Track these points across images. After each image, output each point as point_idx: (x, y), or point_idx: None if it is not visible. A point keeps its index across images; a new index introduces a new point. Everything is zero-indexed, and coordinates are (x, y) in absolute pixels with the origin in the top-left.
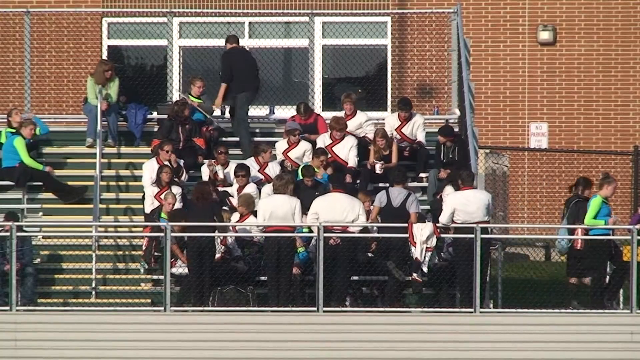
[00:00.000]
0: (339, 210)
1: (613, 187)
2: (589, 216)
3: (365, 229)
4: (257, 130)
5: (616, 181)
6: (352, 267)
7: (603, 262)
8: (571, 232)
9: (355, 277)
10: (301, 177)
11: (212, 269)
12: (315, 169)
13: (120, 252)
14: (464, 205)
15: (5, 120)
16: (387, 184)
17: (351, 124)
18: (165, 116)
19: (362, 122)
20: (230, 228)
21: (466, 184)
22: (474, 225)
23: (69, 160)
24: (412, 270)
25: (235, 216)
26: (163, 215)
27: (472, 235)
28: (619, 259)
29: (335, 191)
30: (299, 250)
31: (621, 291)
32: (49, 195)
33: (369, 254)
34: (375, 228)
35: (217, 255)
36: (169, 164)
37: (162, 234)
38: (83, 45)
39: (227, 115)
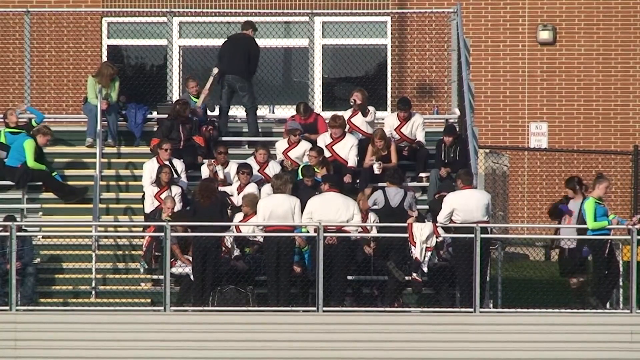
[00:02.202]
0: (333, 209)
1: (604, 186)
2: (590, 220)
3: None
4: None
5: (608, 180)
6: (349, 267)
7: (602, 262)
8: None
9: (351, 277)
10: (301, 177)
11: (216, 268)
12: (315, 169)
13: (120, 252)
14: (463, 204)
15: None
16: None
17: (359, 119)
18: (165, 116)
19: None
20: (234, 228)
21: (466, 184)
22: (474, 225)
23: (69, 160)
24: (412, 270)
25: (239, 216)
26: (164, 218)
27: (472, 235)
28: (614, 260)
29: (330, 191)
30: (304, 249)
31: (621, 291)
32: (49, 195)
33: (366, 250)
34: (370, 228)
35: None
36: (168, 164)
37: (163, 234)
38: (83, 45)
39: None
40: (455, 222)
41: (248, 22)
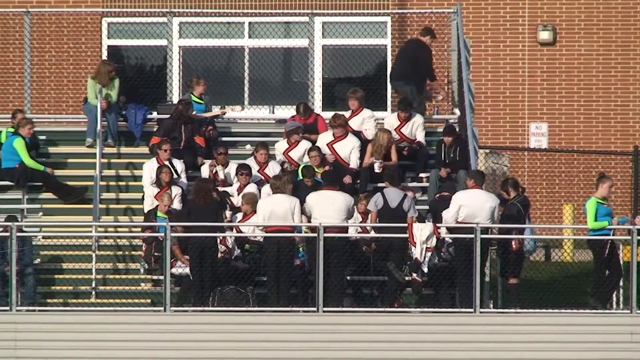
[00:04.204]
0: (330, 206)
1: (607, 186)
2: (590, 219)
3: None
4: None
5: (611, 179)
6: (346, 266)
7: (602, 262)
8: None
9: (351, 277)
10: (301, 177)
11: (213, 268)
12: (316, 169)
13: (120, 252)
14: (470, 203)
15: (7, 120)
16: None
17: (356, 121)
18: (165, 116)
19: (365, 117)
20: (234, 228)
21: (477, 184)
22: (474, 225)
23: (69, 160)
24: (412, 270)
25: (240, 216)
26: (159, 214)
27: (472, 236)
28: (615, 261)
29: (327, 189)
30: (301, 249)
31: (621, 291)
32: (49, 195)
33: (364, 249)
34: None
35: (219, 255)
36: (168, 164)
37: (161, 234)
38: (83, 45)
39: (226, 117)
40: (458, 221)
41: (424, 29)
